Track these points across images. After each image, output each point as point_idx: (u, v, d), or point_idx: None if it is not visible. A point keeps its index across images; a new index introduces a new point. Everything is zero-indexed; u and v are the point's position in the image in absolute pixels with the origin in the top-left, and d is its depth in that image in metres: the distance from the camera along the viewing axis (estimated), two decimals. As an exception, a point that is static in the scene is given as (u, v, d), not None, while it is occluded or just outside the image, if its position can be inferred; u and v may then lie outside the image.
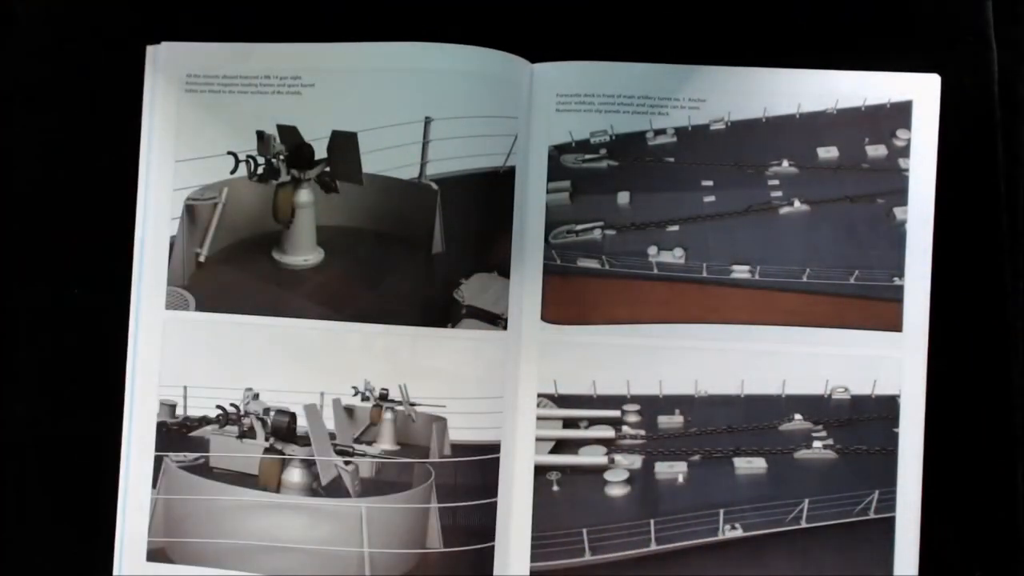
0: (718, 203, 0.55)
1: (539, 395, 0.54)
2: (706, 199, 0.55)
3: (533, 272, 0.54)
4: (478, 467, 0.53)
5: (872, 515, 0.54)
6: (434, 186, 0.53)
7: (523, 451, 0.54)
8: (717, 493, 0.54)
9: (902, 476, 0.54)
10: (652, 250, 0.55)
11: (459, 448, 0.53)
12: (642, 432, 0.54)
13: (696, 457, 0.54)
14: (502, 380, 0.53)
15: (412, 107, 0.53)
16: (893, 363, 0.54)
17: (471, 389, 0.53)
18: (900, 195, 0.55)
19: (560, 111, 0.55)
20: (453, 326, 0.53)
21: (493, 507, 0.53)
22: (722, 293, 0.55)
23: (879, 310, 0.54)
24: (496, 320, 0.53)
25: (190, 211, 0.54)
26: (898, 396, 0.54)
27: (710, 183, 0.55)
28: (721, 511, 0.54)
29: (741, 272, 0.55)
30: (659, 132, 0.55)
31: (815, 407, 0.55)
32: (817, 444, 0.54)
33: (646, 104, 0.55)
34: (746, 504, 0.54)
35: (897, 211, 0.55)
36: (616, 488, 0.54)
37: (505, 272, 0.53)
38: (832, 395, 0.55)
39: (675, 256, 0.55)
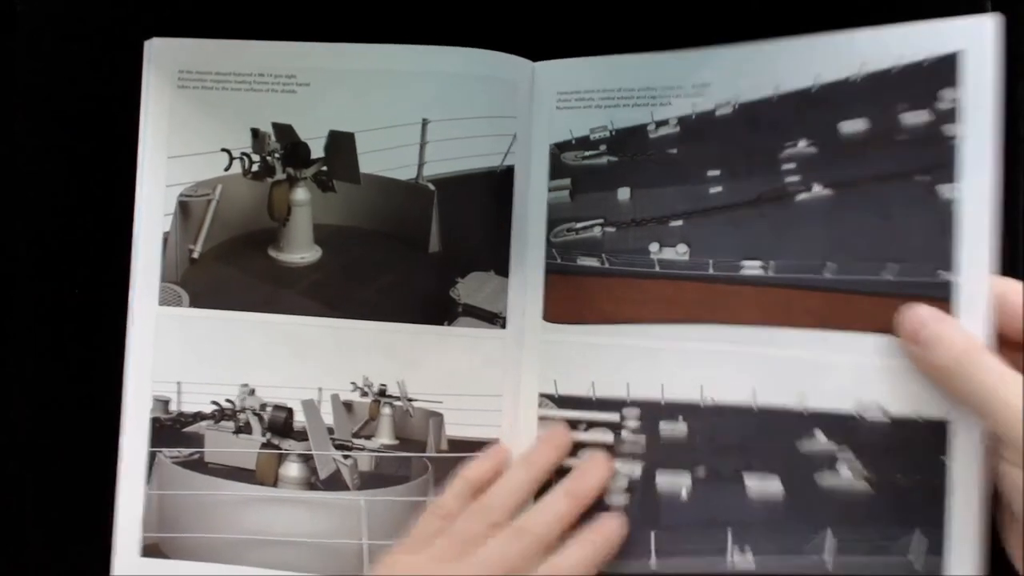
0: (725, 194, 0.50)
1: (540, 395, 0.53)
2: (712, 190, 0.50)
3: (535, 272, 0.53)
4: (475, 463, 0.53)
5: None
6: (431, 187, 0.54)
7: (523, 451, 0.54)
8: (724, 512, 0.49)
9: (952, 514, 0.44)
10: (654, 247, 0.52)
11: (456, 444, 0.53)
12: (643, 438, 0.51)
13: (701, 470, 0.50)
14: (499, 378, 0.53)
15: (408, 110, 0.53)
16: (939, 376, 0.44)
17: (467, 386, 0.53)
18: (945, 169, 0.45)
19: (560, 109, 0.54)
20: (449, 324, 0.53)
21: (492, 505, 0.53)
22: (730, 291, 0.50)
23: (920, 311, 0.45)
24: (493, 319, 0.53)
25: (183, 207, 0.54)
26: (947, 421, 0.44)
27: (716, 173, 0.50)
28: (729, 530, 0.49)
29: (752, 268, 0.49)
30: (661, 124, 0.51)
31: (840, 425, 0.47)
32: (842, 469, 0.47)
33: (647, 96, 0.52)
34: (758, 529, 0.48)
35: (942, 189, 0.45)
36: (615, 496, 0.51)
37: (501, 271, 0.53)
38: (862, 413, 0.46)
39: (678, 252, 0.51)
